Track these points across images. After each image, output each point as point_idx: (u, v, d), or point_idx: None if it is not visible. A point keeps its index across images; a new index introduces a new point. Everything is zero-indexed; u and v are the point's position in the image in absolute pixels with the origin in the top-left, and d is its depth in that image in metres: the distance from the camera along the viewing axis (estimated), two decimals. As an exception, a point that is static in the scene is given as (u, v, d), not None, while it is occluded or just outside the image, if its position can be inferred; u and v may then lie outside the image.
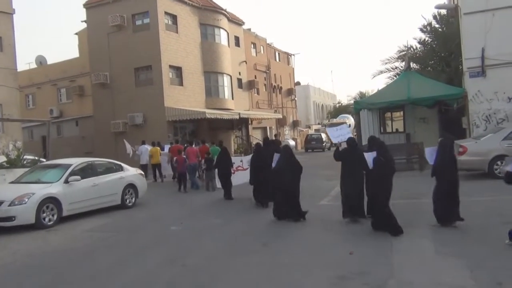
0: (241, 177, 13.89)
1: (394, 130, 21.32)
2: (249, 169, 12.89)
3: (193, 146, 18.73)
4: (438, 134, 16.30)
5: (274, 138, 30.57)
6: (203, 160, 17.07)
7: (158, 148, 20.40)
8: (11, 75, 21.76)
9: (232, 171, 14.13)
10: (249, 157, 13.83)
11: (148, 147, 20.56)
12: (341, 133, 12.25)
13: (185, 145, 19.94)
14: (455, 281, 5.59)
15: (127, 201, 13.13)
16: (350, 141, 9.76)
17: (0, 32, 21.25)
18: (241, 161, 14.45)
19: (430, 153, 8.76)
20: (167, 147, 20.45)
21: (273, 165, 10.45)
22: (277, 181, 10.10)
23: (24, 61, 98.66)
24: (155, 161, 19.95)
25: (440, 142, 8.72)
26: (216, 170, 14.66)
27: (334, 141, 12.19)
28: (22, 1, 73.61)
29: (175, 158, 17.40)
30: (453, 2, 21.90)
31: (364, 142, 18.56)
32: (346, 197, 9.31)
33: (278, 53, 47.73)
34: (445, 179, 8.27)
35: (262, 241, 8.19)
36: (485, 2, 16.07)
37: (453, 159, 8.51)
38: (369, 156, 8.75)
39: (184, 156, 16.88)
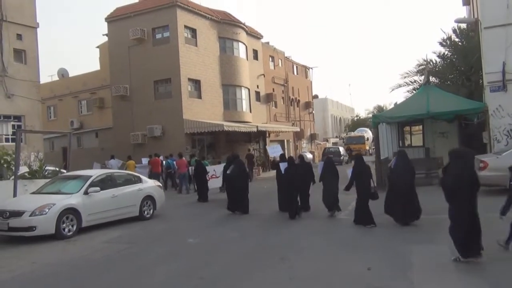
0: (214, 183, 17.46)
1: (413, 144, 21.11)
2: (221, 177, 16.61)
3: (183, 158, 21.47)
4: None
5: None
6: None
7: (133, 161, 22.30)
8: (34, 87, 22.24)
9: (208, 178, 17.29)
10: (220, 167, 17.43)
11: (118, 161, 22.83)
12: (275, 150, 17.37)
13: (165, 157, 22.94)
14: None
15: (145, 212, 13.23)
16: (281, 156, 14.08)
17: (25, 45, 21.79)
18: (214, 170, 17.67)
19: (320, 167, 12.37)
20: (145, 160, 22.42)
21: (228, 171, 13.88)
22: (228, 184, 13.94)
23: (47, 74, 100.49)
24: None
25: (325, 160, 12.64)
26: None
27: (271, 155, 17.56)
28: (46, 15, 75.71)
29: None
30: (473, 16, 21.74)
31: (383, 155, 18.49)
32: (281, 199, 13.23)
33: (296, 66, 47.82)
34: (328, 188, 11.73)
35: (279, 255, 8.16)
36: (506, 16, 15.92)
37: (336, 172, 11.98)
38: (282, 165, 12.72)
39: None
